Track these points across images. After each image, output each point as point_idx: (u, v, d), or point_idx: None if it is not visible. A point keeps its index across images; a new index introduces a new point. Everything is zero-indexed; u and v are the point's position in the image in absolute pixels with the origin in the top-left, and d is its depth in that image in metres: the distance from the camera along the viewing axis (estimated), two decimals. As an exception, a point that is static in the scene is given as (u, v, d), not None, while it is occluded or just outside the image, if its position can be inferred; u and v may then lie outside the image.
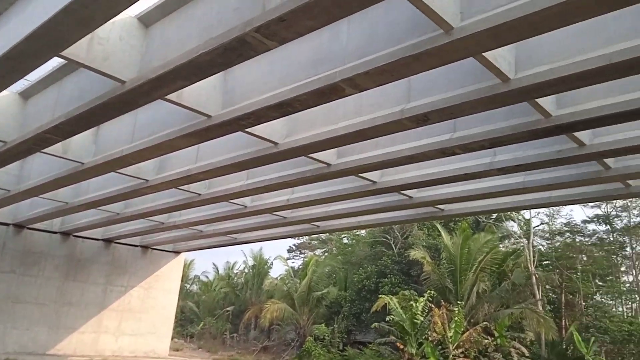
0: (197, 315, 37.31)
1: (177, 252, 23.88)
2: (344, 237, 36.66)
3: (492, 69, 5.11)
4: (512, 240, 28.43)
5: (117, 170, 11.75)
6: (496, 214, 27.26)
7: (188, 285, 41.82)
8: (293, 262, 41.09)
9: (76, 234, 20.27)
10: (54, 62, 7.87)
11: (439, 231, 23.08)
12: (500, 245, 25.47)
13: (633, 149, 6.95)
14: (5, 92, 8.92)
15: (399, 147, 8.81)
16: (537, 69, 5.10)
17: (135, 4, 4.89)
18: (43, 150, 10.61)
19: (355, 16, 5.24)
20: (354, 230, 33.01)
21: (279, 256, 35.26)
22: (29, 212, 17.43)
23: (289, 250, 44.74)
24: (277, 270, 48.72)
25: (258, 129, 8.30)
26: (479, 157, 8.77)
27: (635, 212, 27.78)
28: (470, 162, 9.01)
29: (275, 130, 8.65)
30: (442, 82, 6.08)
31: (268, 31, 4.77)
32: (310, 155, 9.51)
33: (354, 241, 35.40)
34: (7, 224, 18.63)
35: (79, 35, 5.56)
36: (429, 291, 19.68)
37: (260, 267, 36.36)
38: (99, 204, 14.78)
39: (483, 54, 4.84)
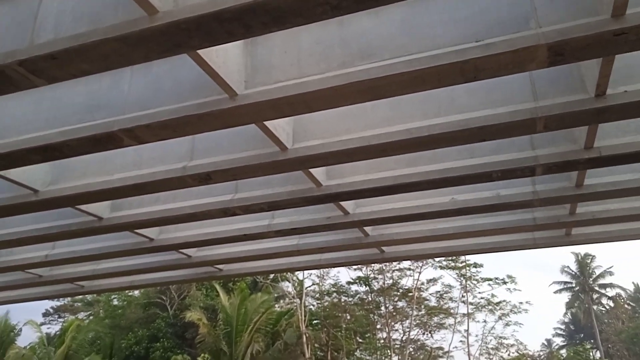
0: None
1: None
2: (114, 297, 33.54)
3: (272, 137, 5.41)
4: (287, 300, 29.72)
5: None
6: (273, 275, 28.25)
7: None
8: (49, 328, 35.91)
9: None
10: None
11: (217, 291, 22.85)
12: (276, 305, 26.34)
13: (386, 219, 8.00)
14: None
15: (180, 204, 8.56)
16: (311, 142, 5.58)
17: None
18: None
19: (139, 67, 5.06)
20: (126, 291, 30.50)
21: (31, 321, 30.37)
22: None
23: (45, 314, 39.10)
24: (27, 338, 41.55)
25: (14, 173, 7.21)
26: (259, 219, 9.04)
27: (389, 275, 31.79)
28: (250, 223, 9.22)
29: (37, 176, 7.63)
30: (226, 144, 6.18)
31: (35, 67, 4.26)
32: (78, 206, 8.59)
33: (126, 302, 32.63)
34: None
35: None
36: (203, 355, 19.04)
37: (5, 335, 30.66)
38: None
39: (264, 122, 5.10)
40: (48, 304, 38.76)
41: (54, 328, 36.90)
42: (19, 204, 8.09)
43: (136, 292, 31.11)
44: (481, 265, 32.80)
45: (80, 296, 32.91)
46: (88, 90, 5.83)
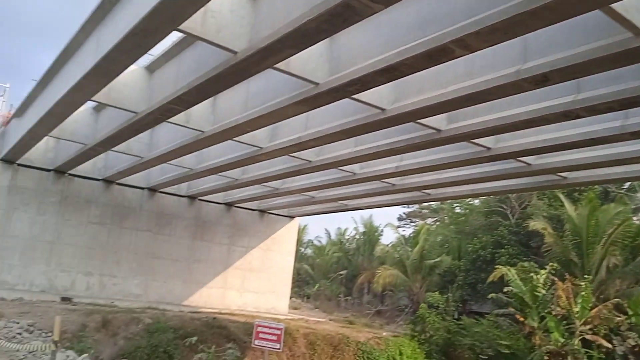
0: (312, 277, 38.89)
1: (292, 217, 24.89)
2: (457, 206, 35.51)
3: (623, 21, 4.54)
4: (650, 211, 25.58)
5: (234, 138, 12.45)
6: (629, 183, 24.64)
7: (303, 249, 43.61)
8: (403, 230, 40.84)
9: (201, 197, 21.98)
10: (174, 37, 8.46)
11: (562, 201, 21.45)
12: (634, 218, 23.04)
13: None
14: (133, 66, 9.71)
15: (515, 110, 8.26)
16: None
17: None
18: (168, 120, 11.56)
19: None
20: (467, 199, 31.85)
21: (389, 224, 35.44)
22: (159, 177, 19.20)
23: (399, 219, 44.51)
24: (388, 238, 49.22)
25: (365, 95, 8.25)
26: (607, 121, 7.93)
27: None
28: (597, 125, 8.19)
29: (383, 96, 8.53)
30: (562, 40, 5.54)
31: (372, -7, 4.67)
32: (419, 121, 9.28)
33: (467, 210, 34.18)
34: (142, 188, 20.73)
35: (193, 9, 5.88)
36: (551, 264, 18.54)
37: (371, 234, 36.73)
38: (219, 170, 15.84)
39: (611, 5, 4.31)
40: (400, 210, 44.04)
41: (408, 231, 42.02)
42: (371, 122, 9.31)
43: (476, 201, 32.20)
44: None
45: (427, 203, 36.15)
46: (417, 7, 6.07)
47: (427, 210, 41.26)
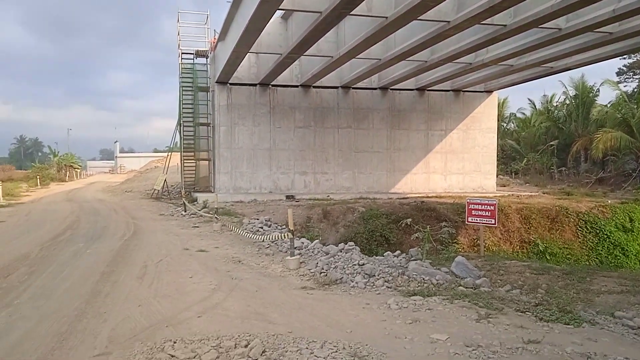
0: (518, 152, 36.80)
1: (489, 92, 23.45)
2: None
3: None
4: None
5: (419, 18, 11.87)
6: None
7: (505, 124, 41.16)
8: (625, 86, 35.18)
9: (392, 87, 21.99)
10: None
11: None
12: None
13: None
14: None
15: None
16: None
17: None
18: (351, 13, 11.47)
19: None
20: None
21: (607, 80, 30.68)
22: (350, 73, 19.64)
23: (619, 73, 38.24)
24: (605, 98, 42.96)
25: None
26: None
27: None
28: None
29: None
30: None
31: None
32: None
33: None
34: (336, 87, 21.57)
35: None
36: None
37: (584, 96, 32.55)
38: (407, 54, 15.45)
39: None
40: (619, 63, 37.71)
41: (630, 85, 36.04)
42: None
43: None
44: None
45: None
46: None
47: (655, 57, 34.65)
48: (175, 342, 4.60)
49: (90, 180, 38.71)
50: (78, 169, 51.67)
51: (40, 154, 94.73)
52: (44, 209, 19.03)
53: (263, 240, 10.39)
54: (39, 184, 35.41)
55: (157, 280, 7.28)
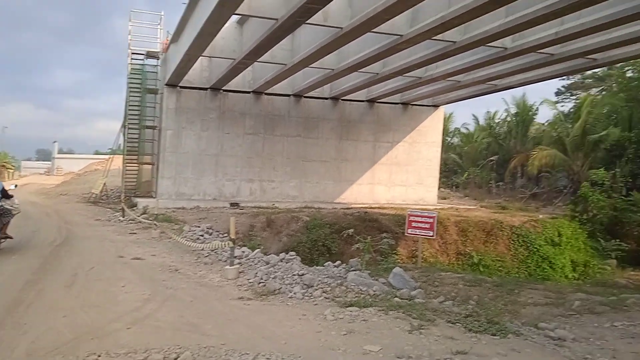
0: (460, 166, 37.94)
1: (436, 106, 24.08)
2: (629, 69, 30.88)
3: None
4: None
5: (373, 30, 12.08)
6: None
7: (449, 138, 42.41)
8: (562, 106, 37.07)
9: (344, 98, 22.18)
10: None
11: None
12: None
13: None
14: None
15: None
16: None
17: None
18: (307, 22, 11.53)
19: None
20: (640, 61, 27.46)
21: (546, 100, 32.22)
22: (303, 82, 19.67)
23: (557, 93, 40.35)
24: (544, 116, 45.11)
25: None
26: None
27: None
28: None
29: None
30: None
31: None
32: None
33: (641, 74, 29.59)
34: (288, 95, 21.54)
35: None
36: None
37: (524, 114, 34.08)
38: (360, 66, 15.66)
39: None
40: (559, 84, 39.79)
41: (567, 105, 38.07)
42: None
43: (651, 63, 27.61)
44: None
45: (591, 71, 31.91)
46: None
47: (590, 80, 36.77)
48: (99, 356, 4.40)
49: (23, 181, 36.80)
50: (11, 169, 49.02)
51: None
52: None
53: (203, 249, 10.17)
54: (-35, 183, 33.10)
55: (87, 289, 6.96)
